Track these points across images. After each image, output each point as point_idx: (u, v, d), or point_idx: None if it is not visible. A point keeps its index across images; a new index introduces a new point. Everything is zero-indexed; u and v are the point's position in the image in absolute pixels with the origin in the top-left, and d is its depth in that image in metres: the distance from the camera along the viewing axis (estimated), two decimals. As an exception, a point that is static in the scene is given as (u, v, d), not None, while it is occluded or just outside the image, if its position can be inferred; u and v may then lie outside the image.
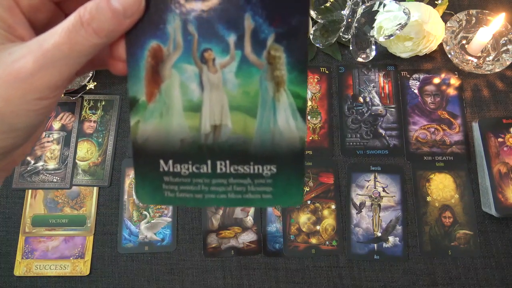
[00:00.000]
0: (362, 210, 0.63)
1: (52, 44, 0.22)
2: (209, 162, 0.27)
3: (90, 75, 0.68)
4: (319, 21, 0.67)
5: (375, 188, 0.63)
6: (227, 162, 0.27)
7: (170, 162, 0.27)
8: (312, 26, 0.68)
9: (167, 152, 0.26)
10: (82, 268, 0.60)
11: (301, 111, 0.26)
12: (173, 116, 0.26)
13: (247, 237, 0.61)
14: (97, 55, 0.24)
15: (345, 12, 0.65)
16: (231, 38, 0.24)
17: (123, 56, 0.24)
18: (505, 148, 0.62)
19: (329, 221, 0.62)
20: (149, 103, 0.26)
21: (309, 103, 0.68)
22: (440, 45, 0.70)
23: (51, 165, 0.65)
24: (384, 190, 0.63)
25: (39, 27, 0.25)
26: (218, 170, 0.27)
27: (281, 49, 0.24)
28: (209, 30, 0.24)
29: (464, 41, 0.71)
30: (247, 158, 0.27)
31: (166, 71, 0.25)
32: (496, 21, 0.66)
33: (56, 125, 0.67)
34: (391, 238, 0.61)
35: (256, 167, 0.27)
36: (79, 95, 0.68)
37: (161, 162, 0.27)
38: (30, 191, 0.64)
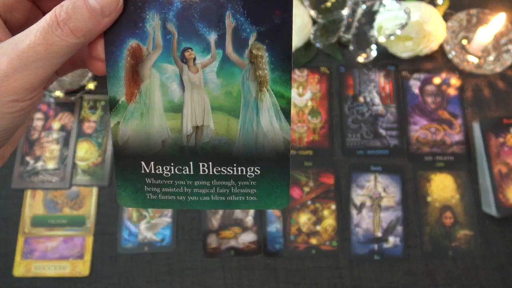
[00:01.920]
0: (363, 210, 0.62)
1: (27, 45, 0.21)
2: (191, 163, 0.26)
3: (90, 75, 0.68)
4: (319, 21, 0.67)
5: (375, 188, 0.63)
6: (210, 163, 0.26)
7: (152, 163, 0.26)
8: (312, 26, 0.68)
9: (148, 154, 0.26)
10: (82, 268, 0.60)
11: (285, 111, 0.26)
12: (154, 117, 0.26)
13: (247, 238, 0.61)
14: (76, 54, 0.23)
15: (345, 12, 0.64)
16: (212, 37, 0.24)
17: (102, 55, 0.24)
18: (505, 148, 0.62)
19: (329, 222, 0.62)
20: (129, 103, 0.25)
21: (309, 103, 0.68)
22: (441, 45, 0.70)
23: (50, 165, 0.65)
24: (384, 190, 0.63)
25: (15, 27, 0.25)
26: (201, 172, 0.26)
27: (263, 48, 0.24)
28: (189, 28, 0.24)
29: (464, 41, 0.71)
30: (230, 160, 0.26)
31: (146, 71, 0.25)
32: (496, 21, 0.66)
33: (56, 125, 0.67)
34: (391, 239, 0.61)
35: (239, 168, 0.26)
36: (79, 95, 0.68)
37: (143, 163, 0.26)
38: (29, 191, 0.64)
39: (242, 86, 0.25)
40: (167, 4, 0.23)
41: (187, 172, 0.26)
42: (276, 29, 0.24)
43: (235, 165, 0.26)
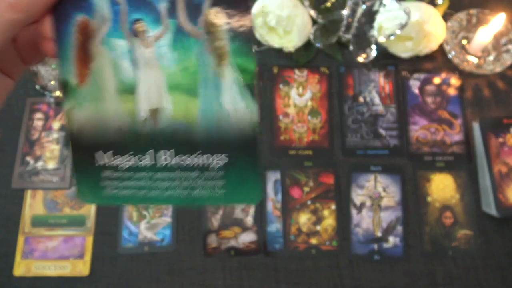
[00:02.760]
0: (362, 210, 0.62)
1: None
2: (151, 152, 0.23)
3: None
4: (319, 21, 0.67)
5: (375, 188, 0.63)
6: (172, 151, 0.23)
7: (109, 153, 0.24)
8: (312, 26, 0.68)
9: (105, 143, 0.23)
10: (82, 268, 0.60)
11: (250, 87, 0.22)
12: (107, 101, 0.23)
13: (247, 237, 0.61)
14: (31, 37, 0.22)
15: (345, 12, 0.64)
16: (162, 5, 0.21)
17: (50, 34, 0.22)
18: (505, 148, 0.62)
19: (329, 221, 0.62)
20: (80, 86, 0.22)
21: (309, 103, 0.68)
22: (441, 45, 0.69)
23: (51, 165, 0.65)
24: (384, 190, 0.63)
25: None
26: (162, 162, 0.23)
27: (220, 13, 0.21)
28: None
29: (464, 41, 0.71)
30: (192, 147, 0.23)
31: (95, 48, 0.22)
32: (496, 21, 0.66)
33: (56, 125, 0.67)
34: (391, 239, 0.61)
35: (204, 156, 0.23)
36: (79, 95, 0.68)
37: (99, 154, 0.24)
38: (29, 191, 0.64)
39: (199, 60, 0.22)
40: None
41: (147, 163, 0.24)
42: None
43: (199, 153, 0.23)
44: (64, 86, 0.23)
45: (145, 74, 0.22)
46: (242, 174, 0.24)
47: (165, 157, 0.24)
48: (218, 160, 0.23)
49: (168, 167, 0.24)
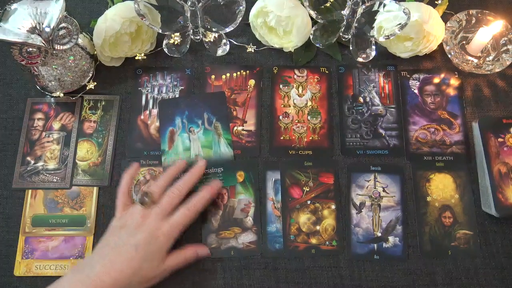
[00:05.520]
0: (362, 210, 0.62)
1: (177, 263, 0.57)
2: None
3: (90, 75, 0.68)
4: (319, 21, 0.67)
5: (375, 188, 0.63)
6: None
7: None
8: (312, 26, 0.68)
9: None
10: (82, 268, 0.60)
11: (230, 145, 0.64)
12: (179, 154, 0.63)
13: (247, 238, 0.61)
14: None
15: (345, 12, 0.65)
16: (200, 122, 0.65)
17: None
18: (505, 148, 0.62)
19: (329, 221, 0.62)
20: (169, 150, 0.64)
21: (309, 103, 0.68)
22: (440, 45, 0.70)
23: (51, 165, 0.65)
24: (384, 190, 0.63)
25: None
26: None
27: (219, 123, 0.65)
28: (191, 120, 0.65)
29: (464, 41, 0.71)
30: (211, 165, 0.63)
31: (175, 137, 0.64)
32: (496, 25, 0.66)
33: (56, 125, 0.67)
34: (391, 238, 0.61)
35: (214, 169, 0.63)
36: (79, 95, 0.68)
37: None
38: (30, 191, 0.64)
39: (212, 137, 0.64)
40: (182, 112, 0.65)
41: None
42: (223, 115, 0.65)
43: (213, 168, 0.63)
44: (162, 151, 0.64)
45: (193, 144, 0.64)
46: (228, 174, 0.63)
47: None
48: (219, 170, 0.63)
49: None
